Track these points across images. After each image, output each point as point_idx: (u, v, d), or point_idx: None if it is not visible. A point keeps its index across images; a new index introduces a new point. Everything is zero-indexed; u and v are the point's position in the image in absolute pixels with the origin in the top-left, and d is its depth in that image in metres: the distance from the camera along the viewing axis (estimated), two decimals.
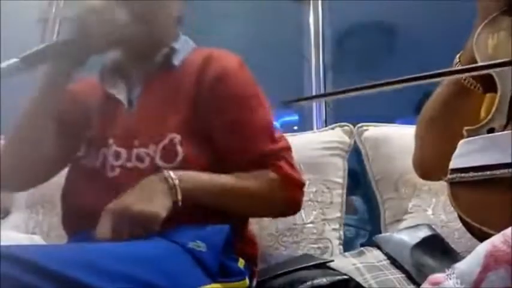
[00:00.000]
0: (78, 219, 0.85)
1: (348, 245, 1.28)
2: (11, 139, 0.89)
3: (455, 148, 0.55)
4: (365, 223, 1.76)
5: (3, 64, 0.71)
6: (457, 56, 0.73)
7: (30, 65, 0.76)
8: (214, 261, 0.76)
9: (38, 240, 1.21)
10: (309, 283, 0.85)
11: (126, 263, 0.62)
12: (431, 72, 0.51)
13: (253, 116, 0.89)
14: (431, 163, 0.80)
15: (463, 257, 0.40)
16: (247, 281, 0.85)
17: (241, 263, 0.86)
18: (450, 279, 0.36)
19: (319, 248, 1.15)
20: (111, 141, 0.87)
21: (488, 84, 0.62)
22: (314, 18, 2.20)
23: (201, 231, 0.78)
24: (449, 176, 0.52)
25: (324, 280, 0.86)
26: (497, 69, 0.58)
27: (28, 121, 0.87)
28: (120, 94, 0.91)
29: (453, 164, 0.52)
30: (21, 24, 2.51)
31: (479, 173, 0.49)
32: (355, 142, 1.31)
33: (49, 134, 0.87)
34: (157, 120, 0.86)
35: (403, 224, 1.15)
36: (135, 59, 0.94)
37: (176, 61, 0.92)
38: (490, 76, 0.60)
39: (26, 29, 2.54)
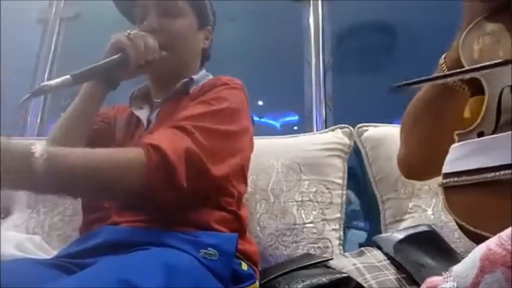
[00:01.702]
0: (95, 218, 0.90)
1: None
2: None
3: (441, 147, 0.55)
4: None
5: (58, 80, 0.79)
6: (442, 56, 0.73)
7: (79, 82, 0.86)
8: (227, 269, 0.78)
9: (38, 240, 1.21)
10: (308, 282, 0.85)
11: (140, 275, 0.62)
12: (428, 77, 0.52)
13: (198, 108, 0.88)
14: (417, 162, 0.80)
15: (463, 257, 0.40)
16: (257, 283, 0.86)
17: (244, 265, 0.86)
18: (447, 281, 0.36)
19: (319, 247, 1.16)
20: None
21: (475, 87, 0.62)
22: (314, 18, 2.21)
23: (213, 238, 0.80)
24: (442, 181, 0.52)
25: (323, 279, 0.86)
26: (484, 72, 0.59)
27: (63, 133, 0.94)
28: (142, 115, 1.01)
29: (446, 168, 0.53)
30: (21, 24, 2.52)
31: (472, 177, 0.49)
32: (355, 143, 1.31)
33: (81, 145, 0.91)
34: None
35: (403, 224, 1.15)
36: (160, 86, 1.04)
37: (192, 90, 1.00)
38: (476, 79, 0.60)
39: (26, 29, 2.54)
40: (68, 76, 0.80)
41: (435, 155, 0.56)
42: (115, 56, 0.89)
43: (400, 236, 0.97)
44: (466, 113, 0.67)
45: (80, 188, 0.73)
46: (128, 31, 0.91)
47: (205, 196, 0.86)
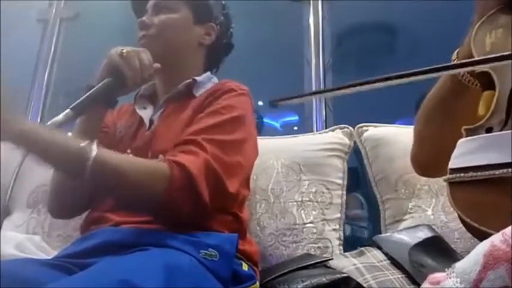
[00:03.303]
0: (95, 218, 0.90)
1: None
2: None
3: (453, 145, 0.54)
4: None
5: (60, 116, 0.79)
6: (455, 52, 0.72)
7: (80, 112, 0.84)
8: (227, 270, 0.78)
9: (38, 240, 1.21)
10: (308, 282, 0.85)
11: (141, 276, 0.62)
12: (432, 67, 0.51)
13: (210, 120, 0.89)
14: (429, 160, 0.80)
15: (463, 257, 0.40)
16: (257, 284, 0.86)
17: (245, 266, 0.86)
18: (450, 278, 0.36)
19: (319, 247, 1.15)
20: (129, 151, 0.96)
21: (487, 82, 0.61)
22: (314, 18, 2.21)
23: (213, 239, 0.80)
24: (448, 176, 0.51)
25: (323, 279, 0.86)
26: (495, 67, 0.58)
27: None
28: (145, 115, 1.02)
29: (452, 163, 0.52)
30: (21, 24, 2.52)
31: (479, 173, 0.48)
32: (355, 143, 1.31)
33: None
34: (169, 134, 0.93)
35: (403, 224, 1.15)
36: (164, 86, 1.05)
37: (196, 92, 1.01)
38: (488, 74, 0.60)
39: (26, 29, 2.54)
40: (68, 110, 0.80)
41: (447, 153, 0.55)
42: (109, 79, 0.87)
43: (400, 236, 0.97)
44: (481, 110, 0.67)
45: (115, 188, 0.78)
46: (121, 49, 0.89)
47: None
